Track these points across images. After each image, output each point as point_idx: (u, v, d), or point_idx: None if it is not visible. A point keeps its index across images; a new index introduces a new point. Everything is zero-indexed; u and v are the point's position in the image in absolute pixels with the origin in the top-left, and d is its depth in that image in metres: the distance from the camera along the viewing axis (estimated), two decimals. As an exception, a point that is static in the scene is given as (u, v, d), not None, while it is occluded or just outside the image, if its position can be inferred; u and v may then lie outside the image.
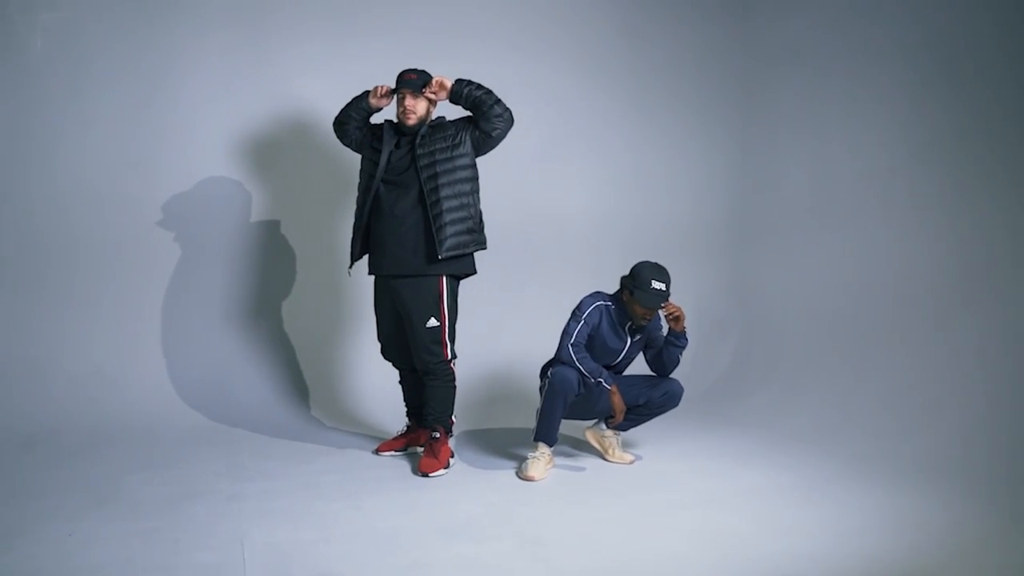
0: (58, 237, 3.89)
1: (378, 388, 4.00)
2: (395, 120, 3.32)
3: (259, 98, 4.17)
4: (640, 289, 3.17)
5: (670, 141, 4.98)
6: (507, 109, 3.24)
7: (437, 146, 3.19)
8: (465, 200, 3.20)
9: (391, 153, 3.24)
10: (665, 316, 3.24)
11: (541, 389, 3.27)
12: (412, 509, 2.81)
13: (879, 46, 4.26)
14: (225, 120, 4.13)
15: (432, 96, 3.23)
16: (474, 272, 3.35)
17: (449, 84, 3.23)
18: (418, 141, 3.19)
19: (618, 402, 3.20)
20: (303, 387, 4.17)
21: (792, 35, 4.78)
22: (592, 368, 3.17)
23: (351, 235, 3.35)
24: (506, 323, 4.59)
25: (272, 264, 4.25)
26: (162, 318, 4.04)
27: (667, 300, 3.19)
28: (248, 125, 4.17)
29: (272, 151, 4.22)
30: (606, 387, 3.17)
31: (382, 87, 3.30)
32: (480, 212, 3.30)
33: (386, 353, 3.51)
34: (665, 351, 3.34)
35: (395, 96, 3.29)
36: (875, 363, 4.08)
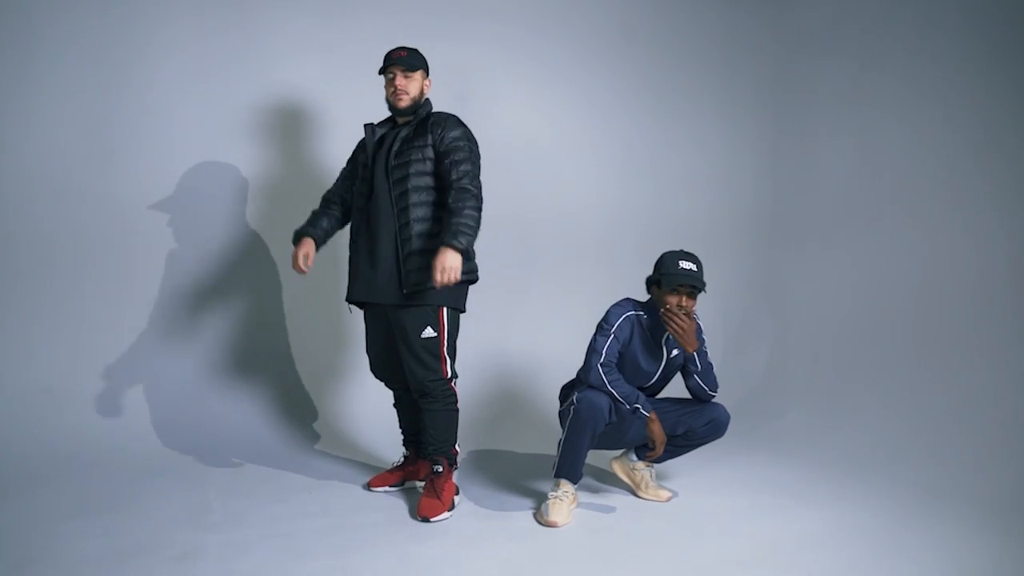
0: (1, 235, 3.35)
1: (372, 408, 3.50)
2: (387, 102, 2.84)
3: (242, 83, 3.66)
4: (667, 273, 2.71)
5: (694, 134, 4.57)
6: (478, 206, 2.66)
7: (414, 156, 2.71)
8: (439, 223, 2.68)
9: (376, 154, 2.80)
10: (668, 324, 2.70)
11: (562, 416, 2.75)
12: (410, 569, 2.28)
13: (926, 32, 3.86)
14: (204, 108, 3.61)
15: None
16: (462, 309, 2.83)
17: (452, 263, 2.54)
18: (395, 145, 2.72)
19: (658, 432, 2.69)
20: (285, 406, 3.65)
21: (828, 20, 4.36)
22: (627, 392, 2.65)
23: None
24: (512, 330, 4.12)
25: (254, 269, 3.74)
26: (124, 330, 3.51)
27: (701, 284, 2.69)
28: (230, 113, 3.65)
29: (258, 143, 3.70)
30: (644, 414, 2.66)
31: (298, 257, 2.84)
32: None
33: (376, 370, 2.99)
34: (687, 382, 2.88)
35: (384, 77, 2.82)
36: (934, 377, 3.67)
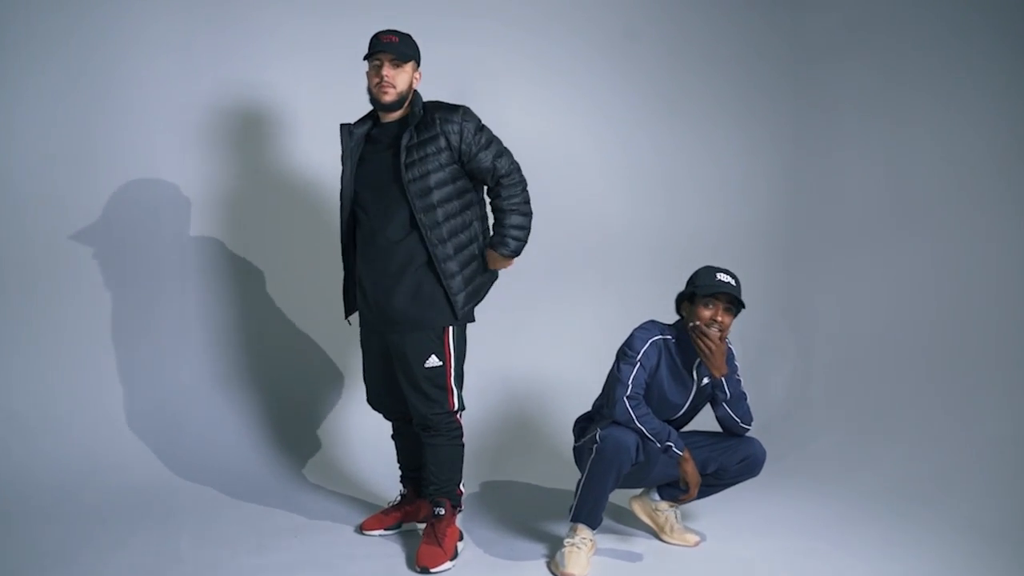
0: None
1: (368, 439, 3.20)
2: (369, 95, 2.48)
3: (224, 84, 3.37)
4: (703, 284, 2.43)
5: (705, 140, 4.29)
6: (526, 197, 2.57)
7: (431, 166, 2.39)
8: (469, 229, 2.50)
9: (362, 156, 2.48)
10: (696, 341, 2.43)
11: (579, 453, 2.46)
12: (409, 634, 1.98)
13: (956, 36, 3.62)
14: (182, 110, 3.32)
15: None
16: (470, 320, 2.59)
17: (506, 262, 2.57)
18: (404, 159, 2.37)
19: (692, 473, 2.39)
20: (271, 435, 3.34)
21: (848, 23, 4.10)
22: (657, 428, 2.36)
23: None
24: (518, 348, 3.82)
25: (240, 283, 3.44)
26: (96, 350, 3.21)
27: (738, 299, 2.42)
28: (211, 117, 3.35)
29: (240, 148, 3.41)
30: (677, 453, 2.36)
31: None
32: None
33: (373, 400, 2.69)
34: (717, 413, 2.59)
35: (368, 64, 2.45)
36: (974, 399, 3.42)
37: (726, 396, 2.51)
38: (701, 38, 4.23)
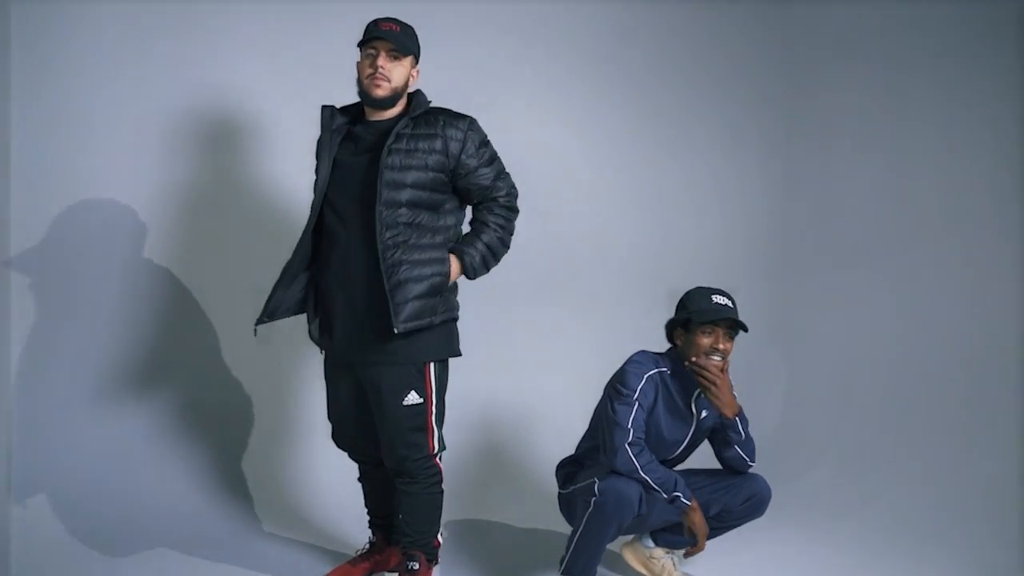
0: None
1: (332, 480, 2.95)
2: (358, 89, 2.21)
3: (173, 86, 3.11)
4: (698, 309, 2.23)
5: (694, 155, 4.13)
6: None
7: (414, 162, 2.12)
8: (436, 252, 2.19)
9: (338, 156, 2.18)
10: (700, 380, 2.23)
11: (567, 501, 2.24)
12: None
13: (961, 42, 3.50)
14: (125, 116, 3.05)
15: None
16: (456, 354, 2.33)
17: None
18: (390, 142, 2.10)
19: (701, 524, 2.16)
20: (223, 479, 3.06)
21: (845, 34, 3.98)
22: (663, 478, 2.13)
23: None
24: (498, 376, 3.56)
25: (185, 313, 3.17)
26: (34, 389, 2.90)
27: (739, 322, 2.25)
28: (157, 123, 3.09)
29: (190, 159, 3.14)
30: (685, 503, 2.12)
31: None
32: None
33: (339, 439, 2.43)
34: (722, 452, 2.37)
35: (361, 52, 2.20)
36: (984, 429, 3.26)
37: (740, 438, 2.29)
38: (690, 45, 4.08)
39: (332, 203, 2.17)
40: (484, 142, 2.23)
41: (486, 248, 2.24)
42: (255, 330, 2.27)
